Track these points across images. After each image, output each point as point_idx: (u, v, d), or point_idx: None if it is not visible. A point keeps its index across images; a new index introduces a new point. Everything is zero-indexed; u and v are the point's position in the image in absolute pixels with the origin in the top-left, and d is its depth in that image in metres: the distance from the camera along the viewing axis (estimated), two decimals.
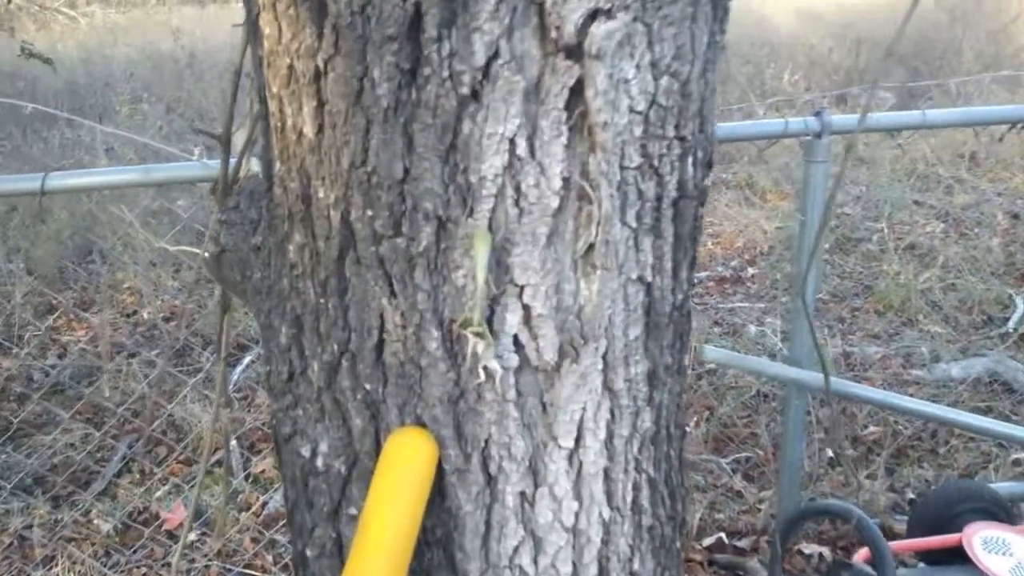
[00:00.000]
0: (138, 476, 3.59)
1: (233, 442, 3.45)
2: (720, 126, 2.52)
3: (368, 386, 1.09)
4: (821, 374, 3.25)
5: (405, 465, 1.03)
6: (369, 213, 1.01)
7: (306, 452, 1.19)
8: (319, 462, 1.18)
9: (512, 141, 0.95)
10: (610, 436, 1.14)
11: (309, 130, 1.02)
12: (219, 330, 1.80)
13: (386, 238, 1.01)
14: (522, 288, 1.01)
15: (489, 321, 1.02)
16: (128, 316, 4.84)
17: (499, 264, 1.01)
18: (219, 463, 3.35)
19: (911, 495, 3.40)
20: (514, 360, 1.04)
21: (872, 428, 3.69)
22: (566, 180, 0.98)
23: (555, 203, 0.98)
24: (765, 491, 3.45)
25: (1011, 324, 4.49)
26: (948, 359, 4.20)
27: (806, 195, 2.68)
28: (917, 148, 5.78)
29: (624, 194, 1.04)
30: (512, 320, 1.03)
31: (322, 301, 1.10)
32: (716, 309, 4.74)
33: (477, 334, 0.99)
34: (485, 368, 1.02)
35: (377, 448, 1.11)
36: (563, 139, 0.96)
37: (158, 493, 3.43)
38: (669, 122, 1.06)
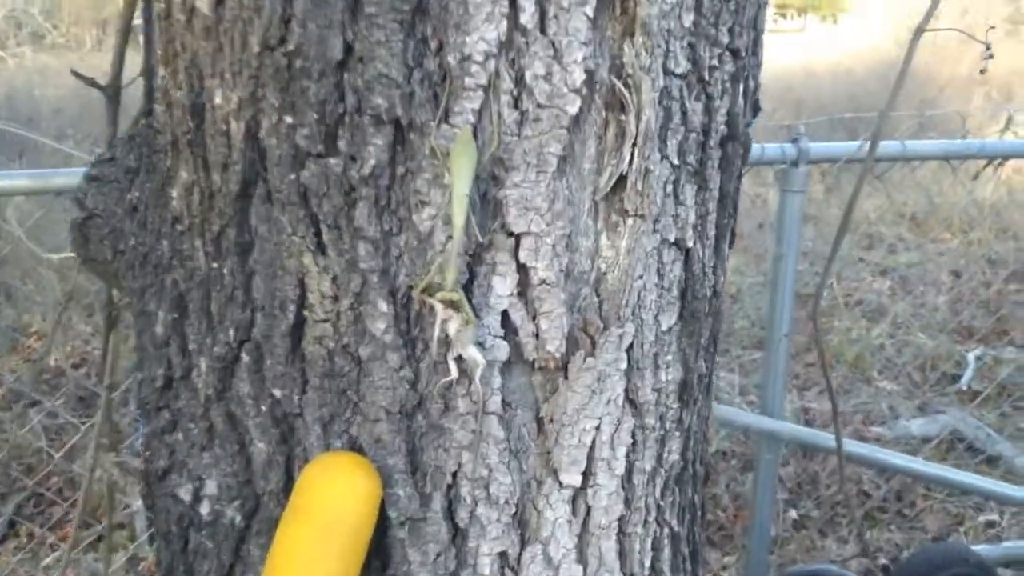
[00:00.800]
0: (24, 540, 3.05)
1: (138, 502, 2.94)
2: None
3: (278, 391, 0.71)
4: (797, 426, 2.92)
5: (329, 511, 0.64)
6: (288, 120, 0.64)
7: (186, 495, 0.79)
8: (204, 509, 0.78)
9: (514, 3, 0.60)
10: (629, 471, 0.77)
11: (204, 2, 0.66)
12: (104, 349, 1.39)
13: (312, 158, 0.64)
14: (518, 239, 0.65)
15: (466, 289, 0.66)
16: (34, 362, 4.28)
17: (484, 199, 0.65)
18: (123, 525, 2.84)
19: (883, 560, 3.09)
20: (502, 350, 0.68)
21: (842, 486, 3.38)
22: (590, 74, 0.64)
23: (573, 107, 0.63)
24: (729, 556, 3.09)
25: (964, 381, 4.31)
26: (907, 416, 3.97)
27: (782, 226, 2.40)
28: (861, 208, 5.64)
29: (667, 111, 0.70)
30: (501, 288, 0.66)
31: (215, 266, 0.72)
32: None
33: (449, 304, 0.62)
34: (458, 361, 0.65)
35: (288, 487, 0.72)
36: (588, 8, 0.62)
37: (46, 560, 2.90)
38: (723, 21, 0.72)
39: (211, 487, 0.78)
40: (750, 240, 5.50)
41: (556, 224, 0.65)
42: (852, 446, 2.44)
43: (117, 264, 0.90)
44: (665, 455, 0.81)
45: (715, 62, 0.74)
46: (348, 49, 0.61)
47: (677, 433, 0.82)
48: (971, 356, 4.66)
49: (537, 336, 0.68)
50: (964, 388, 4.39)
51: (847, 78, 8.49)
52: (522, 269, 0.66)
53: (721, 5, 0.72)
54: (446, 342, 0.65)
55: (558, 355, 0.68)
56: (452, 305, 0.62)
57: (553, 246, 0.66)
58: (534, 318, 0.67)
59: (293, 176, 0.65)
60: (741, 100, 0.79)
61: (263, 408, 0.72)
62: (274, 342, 0.70)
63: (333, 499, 0.64)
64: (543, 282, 0.66)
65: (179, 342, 0.77)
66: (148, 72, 0.84)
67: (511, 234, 0.65)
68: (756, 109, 0.87)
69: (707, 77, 0.73)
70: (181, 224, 0.75)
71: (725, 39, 0.74)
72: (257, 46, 0.63)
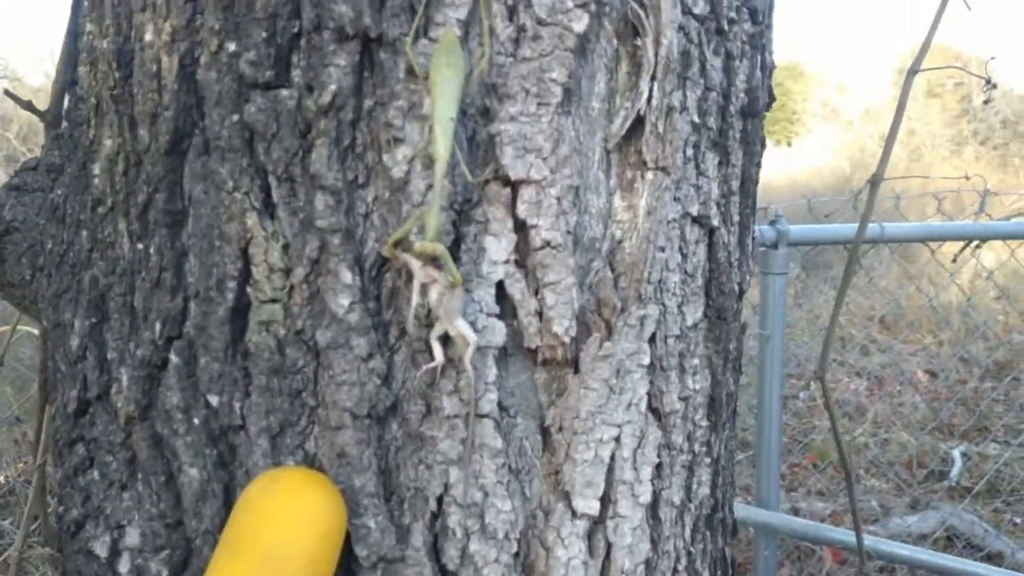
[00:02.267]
0: None
1: None
2: None
3: (215, 398, 0.54)
4: (797, 518, 2.72)
5: (272, 542, 0.47)
6: (231, 47, 0.51)
7: (102, 550, 0.61)
8: (123, 567, 0.60)
9: None
10: (655, 502, 0.61)
11: None
12: (38, 420, 1.20)
13: (259, 90, 0.51)
14: (516, 188, 0.51)
15: (451, 254, 0.51)
16: None
17: (473, 142, 0.51)
18: None
19: None
20: (497, 332, 0.52)
21: None
22: None
23: (580, 24, 0.51)
24: None
25: (953, 477, 4.15)
26: (898, 513, 3.78)
27: (765, 308, 2.28)
28: (829, 309, 5.60)
29: (685, 56, 0.58)
30: (496, 252, 0.52)
31: (140, 247, 0.57)
32: None
33: (429, 261, 0.47)
34: (443, 342, 0.50)
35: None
36: None
37: None
38: None
39: (132, 536, 0.60)
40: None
41: (562, 172, 0.52)
42: (868, 540, 2.23)
43: (36, 284, 0.75)
44: (695, 487, 0.65)
45: (733, 14, 0.62)
46: None
47: (707, 460, 0.66)
48: (956, 453, 4.54)
49: (540, 315, 0.53)
50: (954, 484, 4.25)
51: (806, 191, 8.68)
52: (521, 228, 0.52)
53: None
54: (424, 318, 0.50)
55: (567, 340, 0.53)
56: (433, 263, 0.47)
57: (558, 200, 0.52)
58: (536, 292, 0.53)
59: (236, 116, 0.51)
60: (759, 73, 0.68)
61: (196, 422, 0.55)
62: (209, 333, 0.54)
63: (277, 527, 0.47)
64: (547, 244, 0.52)
65: (97, 353, 0.61)
66: (73, 37, 0.72)
67: (507, 183, 0.51)
68: (771, 96, 0.76)
69: (726, 29, 0.62)
70: (103, 206, 0.60)
71: None
72: None
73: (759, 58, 0.68)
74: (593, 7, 0.51)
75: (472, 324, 0.51)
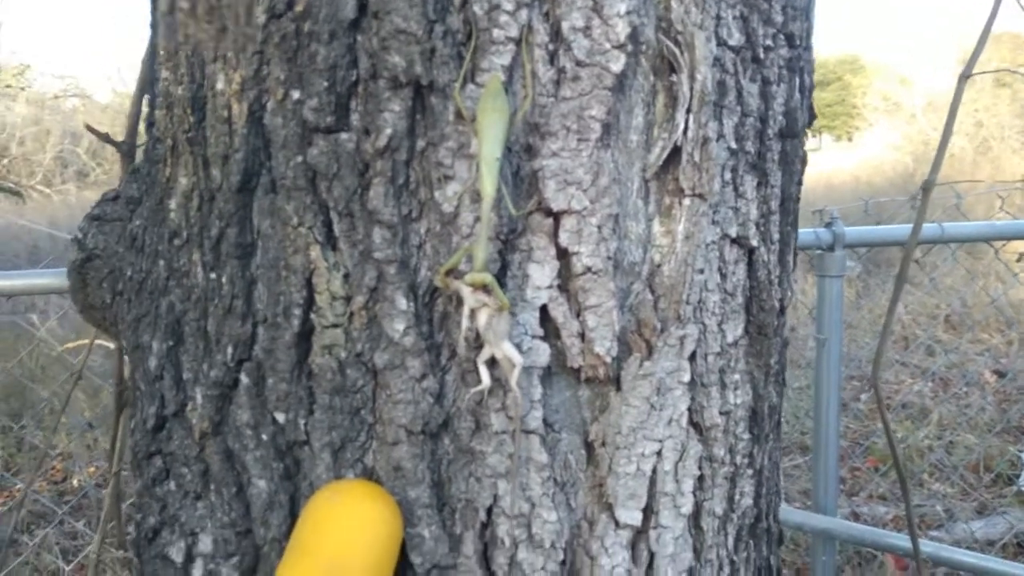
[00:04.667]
0: None
1: None
2: None
3: (281, 416, 0.59)
4: (855, 524, 2.69)
5: (336, 548, 0.51)
6: (295, 95, 0.56)
7: (177, 555, 0.66)
8: (197, 571, 0.65)
9: None
10: (697, 513, 0.64)
11: None
12: (113, 431, 1.28)
13: (321, 133, 0.55)
14: (558, 219, 0.55)
15: (498, 281, 0.55)
16: (56, 483, 4.16)
17: (517, 177, 0.55)
18: None
19: None
20: (542, 353, 0.56)
21: None
22: (634, 31, 0.55)
23: (617, 64, 0.54)
24: None
25: (1022, 481, 4.03)
26: (964, 519, 3.69)
27: (822, 312, 2.27)
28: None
29: (721, 86, 0.61)
30: (539, 278, 0.56)
31: (213, 277, 0.62)
32: None
33: (479, 288, 0.51)
34: (491, 365, 0.54)
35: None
36: None
37: None
38: None
39: (205, 543, 0.65)
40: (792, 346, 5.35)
41: (602, 202, 0.55)
42: (929, 547, 2.20)
43: (115, 307, 0.81)
44: (737, 497, 0.68)
45: (770, 42, 0.65)
46: (362, 8, 0.53)
47: (749, 471, 0.68)
48: None
49: (583, 337, 0.56)
50: (1023, 488, 4.12)
51: (868, 189, 8.51)
52: (563, 255, 0.56)
53: None
54: (472, 342, 0.54)
55: (608, 359, 0.57)
56: (483, 290, 0.51)
57: (599, 228, 0.55)
58: (579, 315, 0.56)
59: (300, 158, 0.56)
60: (798, 95, 0.71)
61: (264, 438, 0.60)
62: (277, 356, 0.59)
63: (341, 535, 0.51)
64: (588, 270, 0.55)
65: (173, 373, 0.66)
66: (150, 83, 0.78)
67: (549, 213, 0.55)
68: (812, 115, 0.78)
69: (762, 57, 0.64)
70: (179, 238, 0.65)
71: (779, 18, 0.65)
72: (263, 15, 0.56)
73: (797, 80, 0.70)
74: (630, 47, 0.54)
75: (518, 346, 0.55)
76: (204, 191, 0.62)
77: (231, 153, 0.59)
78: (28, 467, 4.27)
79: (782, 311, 0.72)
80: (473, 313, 0.52)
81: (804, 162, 0.77)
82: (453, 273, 0.53)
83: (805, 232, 2.35)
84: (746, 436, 0.67)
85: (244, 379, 0.61)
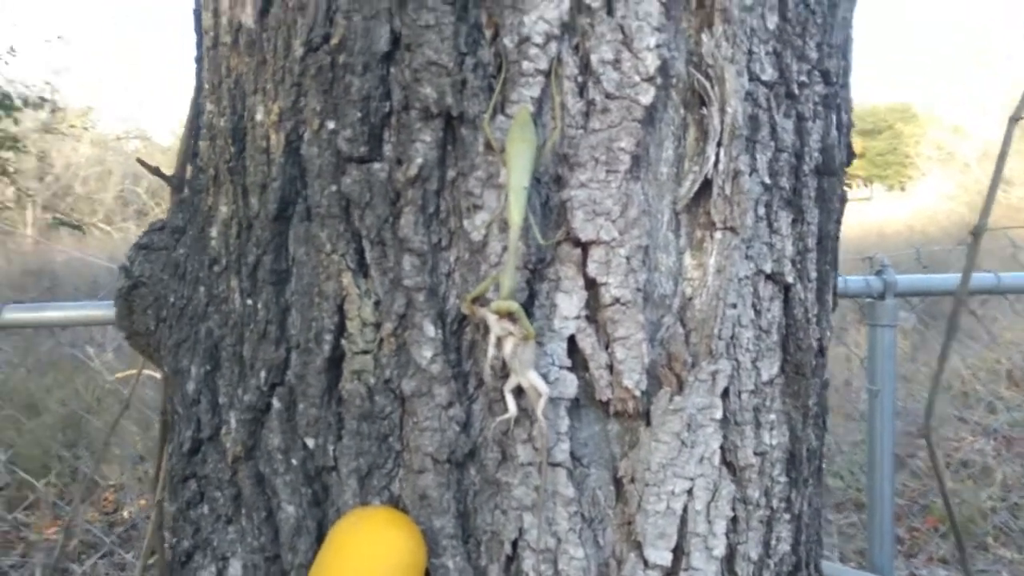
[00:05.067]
0: None
1: None
2: None
3: (311, 441, 0.60)
4: None
5: (359, 574, 0.51)
6: (330, 125, 0.57)
7: None
8: None
9: None
10: (731, 556, 0.62)
11: (250, 15, 0.61)
12: (158, 458, 1.30)
13: (355, 163, 0.56)
14: (586, 249, 0.55)
15: (526, 311, 0.55)
16: (107, 514, 4.23)
17: (546, 207, 0.56)
18: None
19: None
20: (569, 384, 0.56)
21: None
22: (664, 64, 0.55)
23: (647, 97, 0.54)
24: None
25: None
26: None
27: (873, 362, 2.21)
28: (952, 365, 5.32)
29: (754, 121, 0.60)
30: (567, 308, 0.56)
31: (249, 303, 0.63)
32: None
33: (506, 316, 0.51)
34: (517, 395, 0.53)
35: None
36: None
37: None
38: (811, 34, 0.64)
39: (235, 568, 0.65)
40: (840, 396, 5.22)
41: (631, 233, 0.55)
42: None
43: (159, 334, 0.83)
44: (773, 543, 0.66)
45: (804, 78, 0.65)
46: (395, 39, 0.55)
47: (787, 516, 0.66)
48: None
49: (611, 369, 0.56)
50: None
51: (921, 239, 8.33)
52: (591, 286, 0.55)
53: (807, 16, 0.64)
54: (499, 370, 0.54)
55: (638, 393, 0.56)
56: (508, 318, 0.51)
57: (628, 259, 0.55)
58: (607, 346, 0.56)
59: (334, 187, 0.57)
60: (835, 132, 0.70)
61: (294, 462, 0.61)
62: (308, 381, 0.59)
63: (361, 562, 0.51)
64: (617, 301, 0.55)
65: (210, 397, 0.67)
66: (196, 117, 0.80)
67: (578, 243, 0.55)
68: (851, 153, 0.77)
69: (797, 92, 0.64)
70: (218, 265, 0.67)
71: (813, 55, 0.65)
72: (300, 48, 0.58)
73: (834, 118, 0.70)
74: (659, 80, 0.55)
75: (545, 376, 0.55)
76: (243, 219, 0.64)
77: (268, 182, 0.61)
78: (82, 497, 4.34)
79: (821, 351, 0.70)
80: (499, 341, 0.52)
81: (843, 200, 0.76)
82: (480, 301, 0.53)
83: (855, 280, 2.30)
84: (783, 479, 0.65)
85: (276, 404, 0.62)
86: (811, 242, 0.67)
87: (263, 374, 0.62)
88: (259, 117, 0.61)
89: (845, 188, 0.80)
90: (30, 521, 4.20)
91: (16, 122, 4.83)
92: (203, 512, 0.68)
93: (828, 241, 0.70)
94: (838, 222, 0.74)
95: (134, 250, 0.88)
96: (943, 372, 1.39)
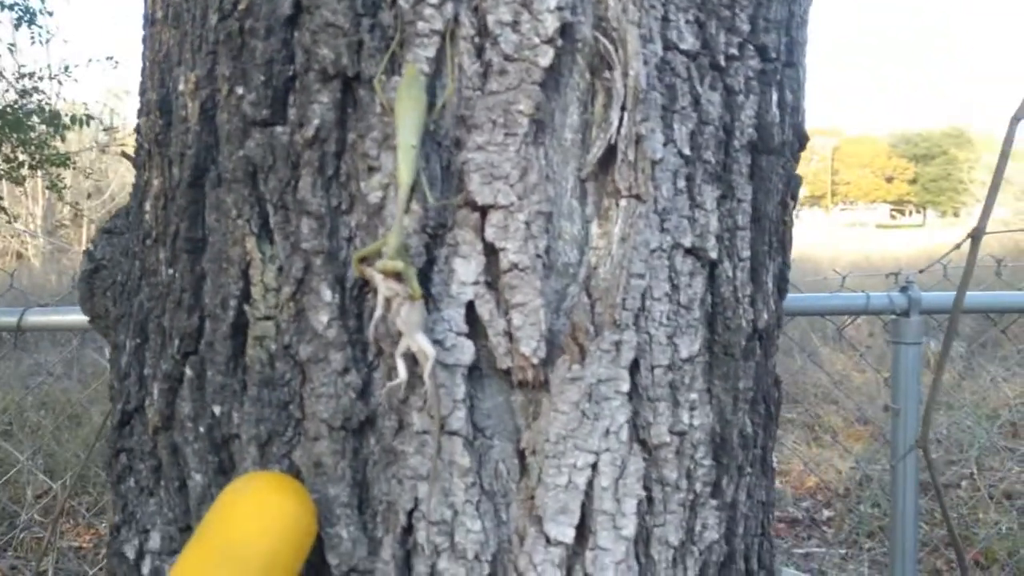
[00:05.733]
0: None
1: None
2: (791, 297, 2.07)
3: (217, 408, 0.60)
4: None
5: (234, 539, 0.50)
6: (239, 91, 0.57)
7: (131, 552, 0.67)
8: (145, 568, 0.65)
9: None
10: (646, 538, 0.60)
11: None
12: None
13: (258, 127, 0.57)
14: (484, 212, 0.54)
15: (424, 275, 0.54)
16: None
17: (447, 171, 0.55)
18: None
19: None
20: (466, 351, 0.55)
21: None
22: (567, 27, 0.55)
23: (545, 59, 0.53)
24: None
25: None
26: None
27: (896, 381, 2.14)
28: (999, 391, 5.14)
29: (670, 89, 0.59)
30: (465, 273, 0.55)
31: (170, 272, 0.63)
32: (789, 555, 3.97)
33: (392, 275, 0.51)
34: (408, 358, 0.52)
35: None
36: None
37: None
38: (741, 6, 0.63)
39: (154, 540, 0.65)
40: (877, 426, 5.07)
41: (530, 198, 0.54)
42: None
43: (114, 315, 0.84)
44: (698, 529, 0.63)
45: (735, 51, 0.63)
46: (298, 5, 0.55)
47: (714, 503, 0.64)
48: None
49: (510, 337, 0.55)
50: None
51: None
52: (490, 251, 0.54)
53: None
54: (387, 331, 0.53)
55: (536, 361, 0.55)
56: (395, 278, 0.51)
57: (527, 224, 0.54)
58: (506, 313, 0.55)
59: (240, 152, 0.57)
60: (776, 110, 0.68)
61: (202, 430, 0.60)
62: (216, 348, 0.59)
63: (239, 524, 0.50)
64: (515, 266, 0.54)
65: (138, 370, 0.68)
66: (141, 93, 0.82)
67: (476, 208, 0.54)
68: (802, 137, 0.75)
69: (724, 65, 0.63)
70: (150, 238, 0.68)
71: (745, 27, 0.64)
72: (215, 16, 0.58)
73: (774, 95, 0.68)
74: (560, 43, 0.54)
75: (441, 342, 0.54)
76: (168, 190, 0.64)
77: (186, 151, 0.61)
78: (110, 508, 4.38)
79: (757, 333, 0.68)
80: (388, 302, 0.51)
81: (791, 182, 0.73)
82: (368, 261, 0.52)
83: (878, 296, 2.24)
84: (707, 462, 0.63)
85: (188, 372, 0.62)
86: (742, 219, 0.65)
87: (177, 342, 0.62)
88: (181, 87, 0.62)
89: (798, 173, 0.77)
90: (64, 530, 4.28)
91: (63, 139, 5.01)
92: (130, 486, 0.68)
93: (766, 221, 0.68)
94: (783, 204, 0.72)
95: (98, 234, 0.89)
96: (941, 383, 1.33)
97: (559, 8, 0.53)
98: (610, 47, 0.54)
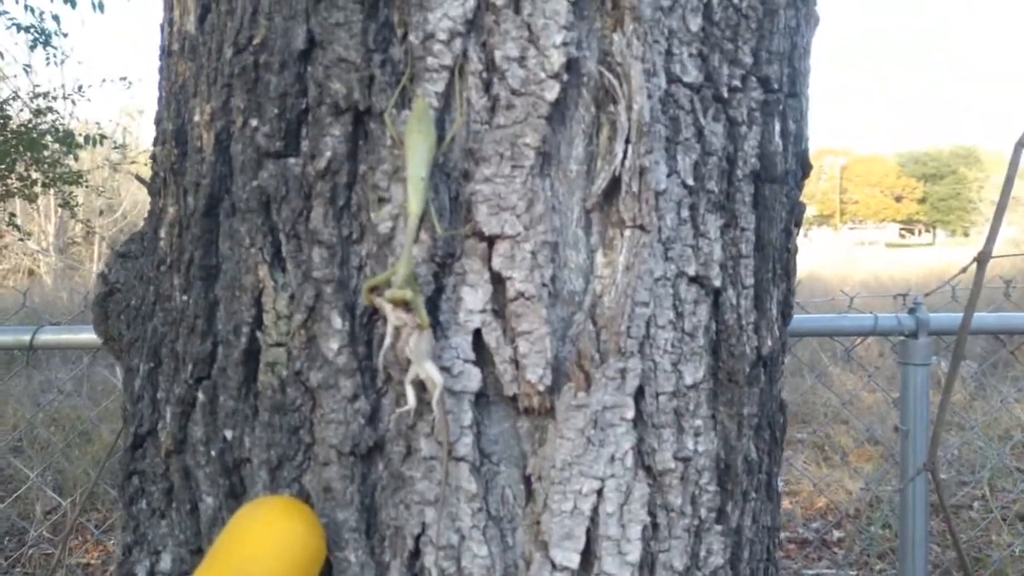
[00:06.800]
0: None
1: None
2: (799, 318, 2.08)
3: (229, 432, 0.61)
4: None
5: (245, 562, 0.51)
6: (253, 122, 0.59)
7: (142, 572, 0.68)
8: None
9: None
10: (651, 564, 0.60)
11: (192, 22, 0.64)
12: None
13: (271, 158, 0.58)
14: (491, 242, 0.56)
15: (432, 304, 0.56)
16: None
17: (456, 202, 0.56)
18: None
19: None
20: (472, 378, 0.56)
21: None
22: (573, 63, 0.56)
23: (551, 93, 0.55)
24: None
25: None
26: None
27: (905, 402, 2.14)
28: (1010, 412, 5.11)
29: (674, 121, 0.60)
30: (472, 301, 0.56)
31: (184, 298, 0.65)
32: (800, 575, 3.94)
33: (401, 305, 0.52)
34: (416, 385, 0.54)
35: None
36: None
37: None
38: (743, 39, 0.64)
39: (165, 561, 0.66)
40: (887, 446, 5.04)
41: (536, 229, 0.55)
42: None
43: (128, 338, 0.86)
44: (703, 555, 0.64)
45: (737, 83, 0.65)
46: (310, 38, 0.57)
47: (719, 528, 0.64)
48: None
49: (516, 364, 0.56)
50: None
51: (986, 284, 8.05)
52: (497, 280, 0.56)
53: (739, 20, 0.64)
54: (396, 359, 0.54)
55: (542, 388, 0.56)
56: (404, 307, 0.52)
57: (533, 254, 0.55)
58: (512, 341, 0.56)
59: (254, 182, 0.59)
60: (779, 140, 0.69)
61: (213, 454, 0.61)
62: (228, 374, 0.61)
63: (249, 546, 0.51)
64: (521, 295, 0.55)
65: (151, 393, 0.69)
66: (156, 122, 0.84)
67: (483, 238, 0.55)
68: (805, 165, 0.76)
69: (726, 96, 0.64)
70: (164, 264, 0.69)
71: (747, 60, 0.65)
72: (230, 50, 0.60)
73: (776, 125, 0.69)
74: (566, 77, 0.55)
75: (448, 370, 0.55)
76: (183, 217, 0.66)
77: (201, 180, 0.63)
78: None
79: (761, 360, 0.69)
80: (397, 331, 0.52)
81: (795, 209, 0.74)
82: (378, 290, 0.53)
83: (886, 317, 2.24)
84: (712, 488, 0.64)
85: (201, 397, 0.63)
86: (745, 248, 0.66)
87: (190, 367, 0.63)
88: (196, 118, 0.64)
89: (803, 201, 0.78)
90: (72, 547, 4.27)
91: (76, 158, 5.06)
92: (142, 508, 0.69)
93: (770, 249, 0.69)
94: (787, 232, 0.73)
95: (112, 257, 0.91)
96: (948, 404, 1.33)
97: (565, 44, 0.55)
98: (615, 81, 0.56)
